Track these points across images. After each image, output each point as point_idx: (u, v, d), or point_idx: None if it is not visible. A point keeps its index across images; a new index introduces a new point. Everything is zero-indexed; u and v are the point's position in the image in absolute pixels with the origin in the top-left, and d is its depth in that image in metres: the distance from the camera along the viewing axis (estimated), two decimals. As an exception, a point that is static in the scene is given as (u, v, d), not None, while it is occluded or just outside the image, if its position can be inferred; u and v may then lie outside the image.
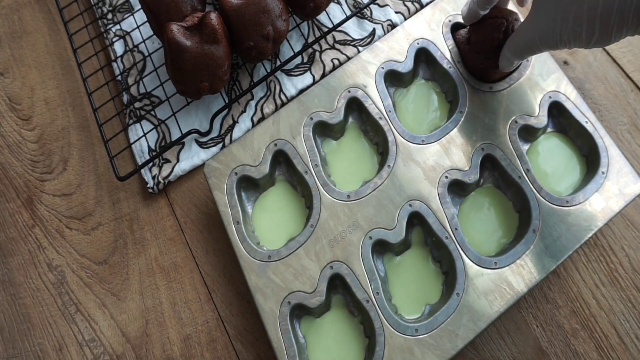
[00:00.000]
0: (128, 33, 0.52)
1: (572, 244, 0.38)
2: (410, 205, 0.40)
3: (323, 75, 0.48)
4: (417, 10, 0.49)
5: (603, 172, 0.40)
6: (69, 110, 0.51)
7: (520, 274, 0.37)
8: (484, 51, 0.41)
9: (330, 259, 0.39)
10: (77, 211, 0.47)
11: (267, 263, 0.39)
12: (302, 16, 0.46)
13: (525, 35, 0.34)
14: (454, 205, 0.40)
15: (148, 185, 0.46)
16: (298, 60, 0.49)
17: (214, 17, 0.41)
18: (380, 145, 0.43)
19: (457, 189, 0.41)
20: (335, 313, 0.39)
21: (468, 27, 0.43)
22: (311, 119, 0.43)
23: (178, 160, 0.47)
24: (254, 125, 0.47)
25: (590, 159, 0.42)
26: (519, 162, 0.40)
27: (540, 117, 0.42)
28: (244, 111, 0.48)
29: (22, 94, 0.52)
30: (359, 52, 0.48)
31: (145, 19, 0.51)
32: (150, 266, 0.45)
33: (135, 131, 0.48)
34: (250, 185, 0.43)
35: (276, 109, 0.47)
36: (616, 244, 0.42)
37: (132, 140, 0.48)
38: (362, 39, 0.49)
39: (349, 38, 0.49)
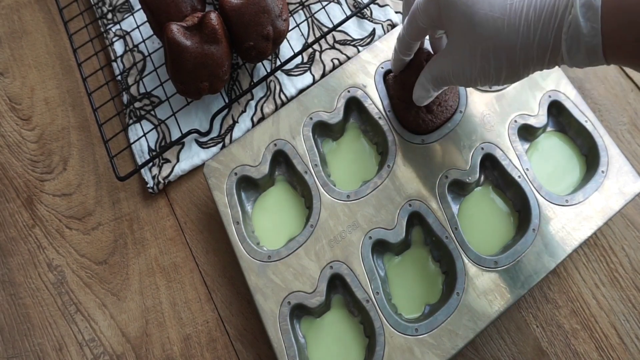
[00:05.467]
0: (128, 33, 0.52)
1: (572, 243, 0.38)
2: (410, 205, 0.40)
3: (323, 75, 0.48)
4: (416, 10, 0.49)
5: (603, 171, 0.40)
6: (69, 110, 0.51)
7: (520, 273, 0.37)
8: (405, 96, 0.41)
9: (330, 259, 0.39)
10: (77, 211, 0.47)
11: (267, 263, 0.39)
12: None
13: (439, 68, 0.34)
14: (454, 205, 0.40)
15: (148, 185, 0.46)
16: (298, 60, 0.49)
17: (214, 17, 0.41)
18: (380, 145, 0.43)
19: (457, 188, 0.41)
20: (335, 313, 0.39)
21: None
22: (311, 119, 0.43)
23: (178, 160, 0.47)
24: (254, 125, 0.47)
25: (589, 158, 0.42)
26: (518, 161, 0.40)
27: (539, 116, 0.42)
28: (244, 111, 0.48)
29: (22, 94, 0.52)
30: (359, 52, 0.48)
31: (145, 19, 0.51)
32: (150, 266, 0.45)
33: (135, 131, 0.48)
34: (250, 185, 0.43)
35: (276, 109, 0.47)
36: (616, 244, 0.42)
37: (132, 140, 0.48)
38: (362, 39, 0.49)
39: (349, 38, 0.49)
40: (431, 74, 0.35)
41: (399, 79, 0.41)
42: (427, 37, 0.40)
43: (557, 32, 0.27)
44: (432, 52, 0.40)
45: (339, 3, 0.50)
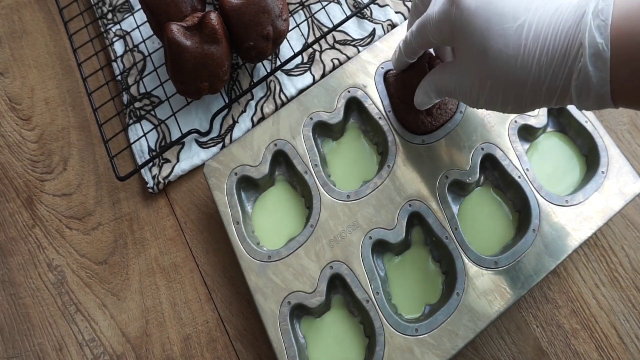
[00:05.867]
0: (128, 33, 0.52)
1: (572, 243, 0.38)
2: (410, 205, 0.40)
3: (323, 75, 0.48)
4: (417, 10, 0.49)
5: (603, 172, 0.40)
6: (69, 110, 0.51)
7: (520, 273, 0.37)
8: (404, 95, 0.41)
9: (330, 259, 0.39)
10: (77, 211, 0.47)
11: (267, 263, 0.39)
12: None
13: (445, 82, 0.34)
14: (454, 205, 0.40)
15: (148, 185, 0.46)
16: (298, 60, 0.49)
17: (214, 17, 0.41)
18: (380, 145, 0.43)
19: (457, 188, 0.41)
20: (335, 313, 0.39)
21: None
22: (311, 119, 0.43)
23: (178, 160, 0.47)
24: (254, 125, 0.47)
25: (590, 159, 0.42)
26: (518, 161, 0.40)
27: (539, 117, 0.42)
28: (244, 111, 0.48)
29: (22, 94, 0.52)
30: (359, 52, 0.48)
31: (145, 19, 0.51)
32: (150, 266, 0.45)
33: (135, 131, 0.48)
34: (250, 185, 0.43)
35: (276, 109, 0.47)
36: (616, 244, 0.42)
37: (132, 140, 0.48)
38: (362, 39, 0.49)
39: (349, 38, 0.49)
40: (435, 85, 0.35)
41: (400, 80, 0.41)
42: None
43: (567, 78, 0.27)
44: (434, 54, 0.40)
45: (339, 3, 0.50)
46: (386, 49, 0.44)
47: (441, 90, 0.35)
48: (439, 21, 0.31)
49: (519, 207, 0.40)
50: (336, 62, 0.48)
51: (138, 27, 0.51)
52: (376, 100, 0.43)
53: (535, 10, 0.28)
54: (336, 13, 0.50)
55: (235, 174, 0.42)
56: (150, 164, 0.47)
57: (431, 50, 0.41)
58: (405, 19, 0.49)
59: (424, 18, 0.33)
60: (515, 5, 0.28)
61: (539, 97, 0.29)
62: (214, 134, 0.47)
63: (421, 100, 0.38)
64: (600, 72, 0.26)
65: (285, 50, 0.49)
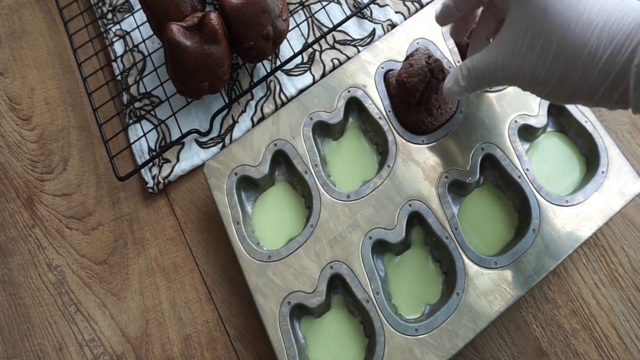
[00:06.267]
0: (128, 33, 0.52)
1: (572, 243, 0.38)
2: (410, 205, 0.40)
3: (323, 75, 0.48)
4: (417, 10, 0.49)
5: (603, 172, 0.40)
6: (69, 110, 0.51)
7: (520, 273, 0.37)
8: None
9: (330, 259, 0.39)
10: (77, 211, 0.47)
11: (267, 263, 0.39)
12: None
13: (485, 59, 0.31)
14: (454, 205, 0.40)
15: (148, 185, 0.46)
16: (298, 60, 0.49)
17: (214, 17, 0.41)
18: (380, 145, 0.43)
19: (457, 188, 0.41)
20: (335, 313, 0.39)
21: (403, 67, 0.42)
22: (311, 119, 0.43)
23: (178, 160, 0.47)
24: (254, 125, 0.47)
25: (590, 159, 0.42)
26: (518, 161, 0.40)
27: (540, 117, 0.42)
28: (244, 111, 0.48)
29: (22, 94, 0.52)
30: (359, 52, 0.48)
31: (145, 19, 0.51)
32: (150, 266, 0.45)
33: (135, 131, 0.48)
34: (250, 185, 0.43)
35: (276, 109, 0.47)
36: (616, 244, 0.42)
37: (132, 140, 0.48)
38: (362, 39, 0.49)
39: (349, 38, 0.49)
40: (468, 68, 0.33)
41: (400, 79, 0.41)
42: (432, 48, 0.40)
43: (627, 59, 0.25)
44: (436, 57, 0.40)
45: (339, 3, 0.50)
46: (386, 49, 0.44)
47: (477, 70, 0.32)
48: None
49: (519, 207, 0.40)
50: (336, 62, 0.48)
51: (138, 27, 0.51)
52: (376, 100, 0.43)
53: None
54: (336, 13, 0.50)
55: (235, 174, 0.42)
56: (150, 164, 0.47)
57: (431, 52, 0.41)
58: (405, 18, 0.49)
59: None
60: None
61: (589, 77, 0.26)
62: (214, 134, 0.47)
63: (450, 88, 0.35)
64: None
65: (285, 50, 0.49)
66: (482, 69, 0.32)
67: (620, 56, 0.25)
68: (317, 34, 0.50)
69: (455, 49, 0.44)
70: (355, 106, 0.44)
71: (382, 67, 0.44)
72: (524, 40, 0.28)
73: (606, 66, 0.25)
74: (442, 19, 0.36)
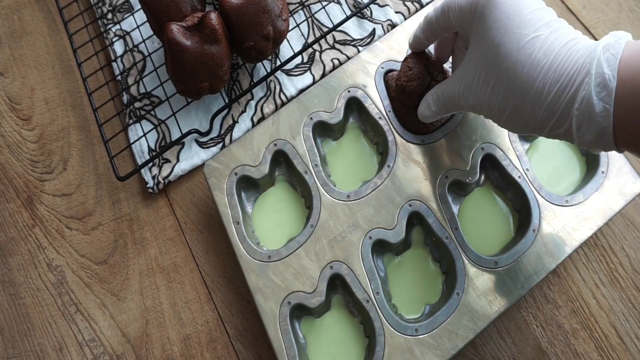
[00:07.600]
0: (128, 33, 0.52)
1: (572, 243, 0.38)
2: (410, 205, 0.40)
3: (323, 75, 0.48)
4: (417, 10, 0.49)
5: (603, 172, 0.40)
6: (69, 110, 0.51)
7: (520, 273, 0.37)
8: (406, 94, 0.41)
9: (330, 259, 0.39)
10: (77, 211, 0.47)
11: (267, 263, 0.39)
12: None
13: (449, 88, 0.34)
14: (454, 205, 0.40)
15: (148, 185, 0.46)
16: (298, 60, 0.49)
17: (214, 17, 0.41)
18: (380, 145, 0.43)
19: (457, 188, 0.41)
20: (335, 313, 0.39)
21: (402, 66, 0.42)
22: (311, 119, 0.43)
23: (178, 160, 0.47)
24: (254, 125, 0.47)
25: (589, 159, 0.42)
26: (518, 161, 0.40)
27: (540, 117, 0.42)
28: (244, 111, 0.48)
29: (22, 94, 0.52)
30: (359, 52, 0.48)
31: (145, 19, 0.51)
32: (150, 266, 0.45)
33: (135, 131, 0.48)
34: (250, 186, 0.43)
35: (276, 109, 0.47)
36: (616, 244, 0.42)
37: (132, 140, 0.48)
38: (362, 39, 0.49)
39: (349, 38, 0.49)
40: (438, 94, 0.35)
41: (399, 83, 0.41)
42: (433, 45, 0.40)
43: (569, 103, 0.26)
44: (435, 57, 0.40)
45: (339, 3, 0.50)
46: (386, 49, 0.44)
47: (444, 96, 0.35)
48: (466, 2, 0.31)
49: (519, 207, 0.40)
50: (336, 62, 0.48)
51: (138, 27, 0.51)
52: (376, 100, 0.43)
53: (554, 30, 0.28)
54: (336, 13, 0.50)
55: (235, 174, 0.42)
56: (150, 164, 0.47)
57: (432, 51, 0.41)
58: (405, 18, 0.49)
59: None
60: (539, 18, 0.28)
61: (536, 114, 0.28)
62: (214, 134, 0.47)
63: (423, 112, 0.38)
64: (604, 103, 0.25)
65: (285, 50, 0.49)
66: (448, 96, 0.35)
67: (563, 98, 0.27)
68: (317, 34, 0.50)
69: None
70: (355, 106, 0.44)
71: (382, 67, 0.44)
72: (480, 75, 0.30)
73: (551, 106, 0.27)
74: (414, 47, 0.39)
